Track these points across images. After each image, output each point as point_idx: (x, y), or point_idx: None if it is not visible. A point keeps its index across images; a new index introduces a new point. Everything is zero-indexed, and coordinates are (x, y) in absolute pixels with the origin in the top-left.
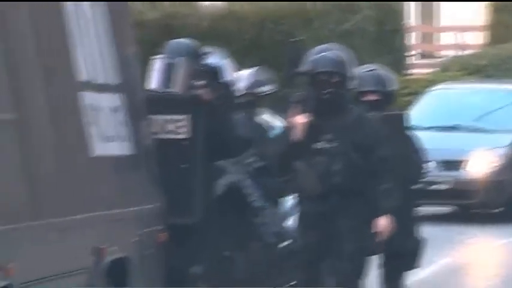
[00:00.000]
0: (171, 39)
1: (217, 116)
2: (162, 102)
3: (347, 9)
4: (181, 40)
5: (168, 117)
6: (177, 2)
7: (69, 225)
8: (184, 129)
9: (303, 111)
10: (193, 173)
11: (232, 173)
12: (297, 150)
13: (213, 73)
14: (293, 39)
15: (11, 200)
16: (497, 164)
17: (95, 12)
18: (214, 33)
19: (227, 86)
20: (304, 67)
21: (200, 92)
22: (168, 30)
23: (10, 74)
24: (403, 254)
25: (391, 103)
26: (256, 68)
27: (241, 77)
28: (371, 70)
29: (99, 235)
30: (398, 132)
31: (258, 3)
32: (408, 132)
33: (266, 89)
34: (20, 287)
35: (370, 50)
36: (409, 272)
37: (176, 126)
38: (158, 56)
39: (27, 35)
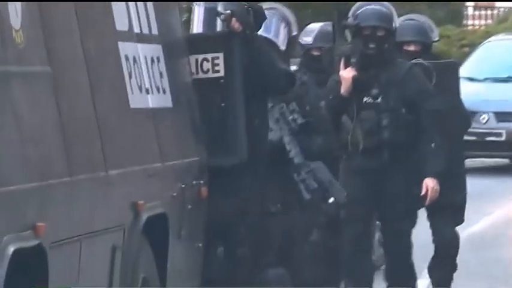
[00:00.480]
0: None
1: (252, 48)
2: (197, 42)
3: None
4: None
5: (205, 56)
6: None
7: (105, 181)
8: (221, 68)
9: (350, 65)
10: (232, 111)
11: (275, 131)
12: (344, 104)
13: (254, 10)
14: None
15: (43, 155)
16: None
17: None
18: None
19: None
20: (349, 21)
21: (229, 22)
22: None
23: (44, 25)
24: (452, 208)
25: (430, 54)
26: (325, 23)
27: (310, 31)
28: (412, 20)
29: (137, 190)
30: (450, 81)
31: None
32: (458, 83)
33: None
34: (50, 246)
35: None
36: (457, 225)
37: (212, 65)
38: (198, 3)
39: None
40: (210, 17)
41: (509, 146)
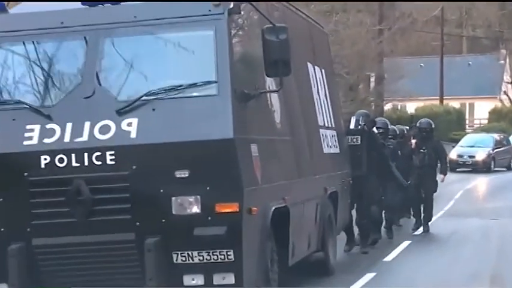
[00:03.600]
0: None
1: (371, 136)
2: (349, 132)
3: None
4: (362, 110)
5: (353, 137)
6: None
7: (314, 179)
8: (358, 141)
9: (415, 139)
10: (362, 155)
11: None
12: (412, 153)
13: (371, 121)
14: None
15: (287, 171)
16: None
17: (326, 96)
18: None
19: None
20: (417, 125)
21: (364, 126)
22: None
23: (290, 120)
24: None
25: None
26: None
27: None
28: (428, 120)
29: (326, 182)
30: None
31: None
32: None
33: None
34: (291, 207)
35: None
36: None
37: (356, 140)
38: (354, 116)
39: (296, 101)
40: (356, 121)
41: (475, 166)
